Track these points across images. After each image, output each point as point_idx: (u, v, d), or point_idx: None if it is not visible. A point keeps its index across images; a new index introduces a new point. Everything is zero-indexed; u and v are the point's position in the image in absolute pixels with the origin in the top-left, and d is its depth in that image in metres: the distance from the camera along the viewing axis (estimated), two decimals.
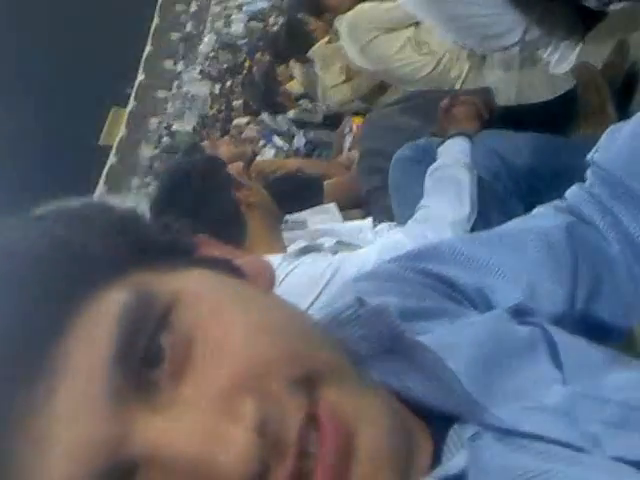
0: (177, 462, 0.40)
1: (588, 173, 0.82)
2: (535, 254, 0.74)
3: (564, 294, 0.73)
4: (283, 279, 1.47)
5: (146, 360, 0.42)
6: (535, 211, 0.83)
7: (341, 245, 1.60)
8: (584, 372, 0.55)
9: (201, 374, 0.43)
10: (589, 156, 0.82)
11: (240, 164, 2.03)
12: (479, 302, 0.70)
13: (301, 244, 1.58)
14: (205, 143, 2.58)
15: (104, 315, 0.43)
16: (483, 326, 0.60)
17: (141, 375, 0.42)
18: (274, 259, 1.53)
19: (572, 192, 0.83)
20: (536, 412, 0.50)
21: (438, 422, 0.50)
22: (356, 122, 3.68)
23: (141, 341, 0.42)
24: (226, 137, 3.12)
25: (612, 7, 1.80)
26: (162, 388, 0.43)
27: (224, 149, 2.61)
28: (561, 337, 0.59)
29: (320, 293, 1.43)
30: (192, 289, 0.46)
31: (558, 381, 0.54)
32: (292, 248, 1.59)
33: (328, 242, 1.62)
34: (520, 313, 0.67)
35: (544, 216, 0.81)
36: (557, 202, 0.83)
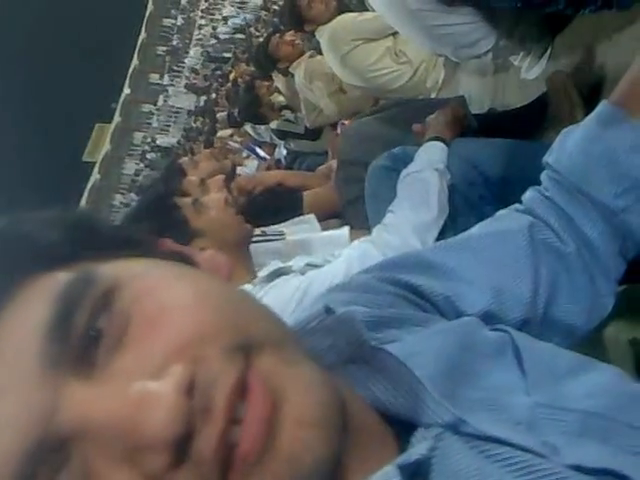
0: (105, 428, 0.41)
1: (543, 176, 0.85)
2: (499, 257, 0.77)
3: (528, 295, 0.75)
4: None
5: (85, 337, 0.44)
6: (497, 214, 0.86)
7: (310, 267, 1.59)
8: (548, 380, 0.57)
9: (136, 346, 0.44)
10: (544, 159, 0.86)
11: (221, 178, 2.04)
12: (448, 309, 0.72)
13: (270, 268, 1.58)
14: (184, 159, 2.59)
15: (45, 291, 0.46)
16: (451, 334, 0.61)
17: (79, 351, 0.44)
18: (244, 289, 1.54)
19: (528, 195, 0.86)
20: (500, 420, 0.51)
21: (404, 427, 0.51)
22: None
23: (80, 318, 0.44)
24: (206, 150, 3.12)
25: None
26: (99, 363, 0.44)
27: (204, 164, 2.62)
28: (526, 344, 0.61)
29: (290, 316, 1.43)
30: (136, 272, 0.49)
31: (522, 390, 0.55)
32: (261, 274, 1.58)
33: (297, 264, 1.61)
34: (489, 318, 0.70)
35: (506, 219, 0.84)
36: (516, 205, 0.86)
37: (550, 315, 0.77)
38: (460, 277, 0.74)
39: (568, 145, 0.83)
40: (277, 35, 4.31)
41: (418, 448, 0.47)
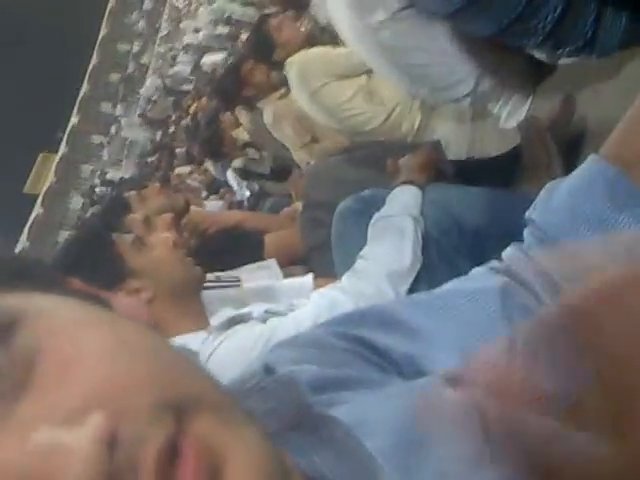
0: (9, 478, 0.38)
1: (525, 233, 0.85)
2: (469, 318, 0.76)
3: None
4: (211, 354, 1.46)
5: None
6: (471, 272, 0.86)
7: (270, 314, 1.60)
8: None
9: (43, 390, 0.41)
10: (526, 214, 0.85)
11: (169, 216, 2.04)
12: (409, 370, 0.71)
13: (226, 314, 1.58)
14: (130, 193, 2.57)
15: None
16: (409, 397, 0.59)
17: None
18: (197, 337, 1.53)
19: (509, 253, 0.84)
20: None
21: None
22: None
23: None
24: (156, 184, 3.10)
25: (562, 61, 1.90)
26: None
27: (152, 199, 2.60)
28: None
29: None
30: (44, 306, 0.46)
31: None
32: (217, 320, 1.58)
33: (257, 311, 1.61)
34: (455, 381, 0.70)
35: (480, 277, 0.83)
36: (494, 263, 0.85)
37: None
38: (425, 337, 0.73)
39: (554, 201, 0.82)
40: (252, 61, 4.25)
41: None
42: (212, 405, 0.44)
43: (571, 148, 1.86)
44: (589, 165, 0.82)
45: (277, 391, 0.58)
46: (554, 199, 0.82)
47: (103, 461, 0.37)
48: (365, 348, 0.71)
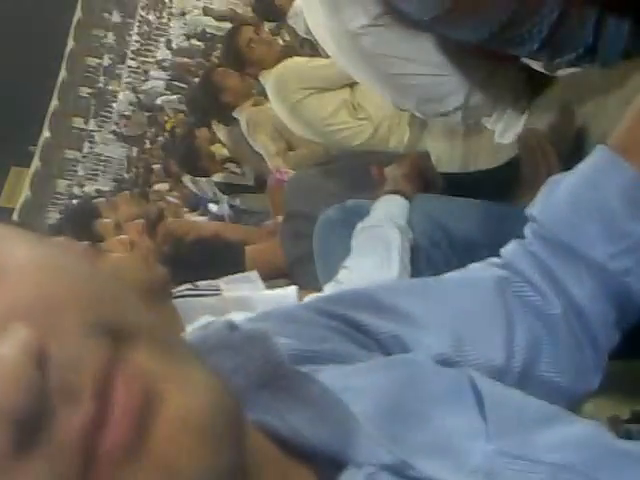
0: None
1: (526, 230, 0.84)
2: (463, 305, 0.75)
3: (497, 347, 0.73)
4: None
5: None
6: (469, 266, 0.86)
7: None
8: (514, 427, 0.55)
9: None
10: (527, 211, 0.85)
11: (139, 223, 1.98)
12: (395, 349, 0.69)
13: (201, 323, 1.53)
14: (100, 200, 2.50)
15: None
16: (393, 369, 0.59)
17: None
18: None
19: (510, 249, 0.85)
20: (452, 466, 0.49)
21: (328, 464, 0.48)
22: None
23: None
24: (126, 192, 3.04)
25: (561, 72, 1.84)
26: None
27: (123, 207, 2.54)
28: (488, 387, 0.59)
29: None
30: None
31: (482, 436, 0.53)
32: (192, 327, 1.53)
33: (236, 318, 1.57)
34: (445, 363, 0.68)
35: (477, 270, 0.83)
36: (492, 259, 0.85)
37: (532, 374, 0.75)
38: (414, 320, 0.72)
39: (556, 195, 0.82)
40: (222, 68, 4.16)
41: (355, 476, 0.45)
42: (153, 337, 0.41)
43: (570, 160, 1.81)
44: (595, 156, 0.82)
45: (244, 347, 0.55)
46: (556, 193, 0.82)
47: (32, 375, 0.34)
48: (348, 326, 0.69)
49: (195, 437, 0.38)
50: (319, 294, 1.64)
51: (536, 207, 0.83)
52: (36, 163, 17.92)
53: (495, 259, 0.84)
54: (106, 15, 19.73)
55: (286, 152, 3.91)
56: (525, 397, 0.61)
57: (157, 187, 8.38)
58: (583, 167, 0.82)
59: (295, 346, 0.60)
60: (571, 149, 1.85)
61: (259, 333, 0.57)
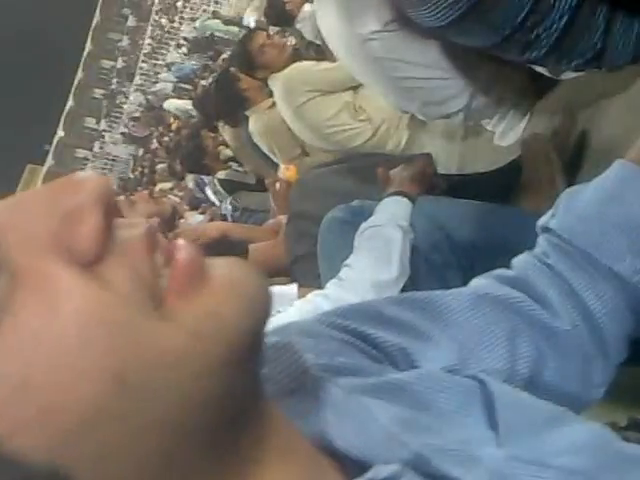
0: (30, 203, 0.38)
1: (541, 241, 0.80)
2: (465, 319, 0.73)
3: (500, 360, 0.71)
4: None
5: None
6: (472, 282, 0.81)
7: None
8: (523, 429, 0.54)
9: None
10: (542, 222, 0.81)
11: (156, 221, 1.94)
12: (403, 362, 0.68)
13: None
14: (119, 198, 2.49)
15: None
16: (406, 384, 0.59)
17: None
18: None
19: (522, 261, 0.81)
20: (464, 473, 0.48)
21: (353, 463, 0.49)
22: None
23: None
24: (145, 192, 3.06)
25: (564, 76, 1.81)
26: None
27: (141, 205, 2.54)
28: (499, 389, 0.58)
29: None
30: None
31: (491, 442, 0.52)
32: None
33: None
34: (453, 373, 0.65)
35: (479, 284, 0.79)
36: (501, 271, 0.80)
37: (539, 387, 0.72)
38: (420, 334, 0.70)
39: (577, 208, 0.78)
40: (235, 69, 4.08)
41: (382, 471, 0.46)
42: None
43: (571, 164, 1.78)
44: (616, 169, 0.79)
45: (271, 357, 0.56)
46: (577, 205, 0.79)
47: (109, 202, 0.39)
48: (358, 339, 0.68)
49: (240, 299, 0.41)
50: (319, 291, 1.64)
51: (554, 220, 0.80)
52: (49, 161, 18.03)
53: (503, 271, 0.80)
54: (122, 19, 19.83)
55: (301, 158, 3.88)
56: (533, 398, 0.60)
57: (160, 186, 8.42)
58: (603, 181, 0.79)
59: (314, 360, 0.60)
60: (572, 153, 1.81)
61: (283, 344, 0.57)
